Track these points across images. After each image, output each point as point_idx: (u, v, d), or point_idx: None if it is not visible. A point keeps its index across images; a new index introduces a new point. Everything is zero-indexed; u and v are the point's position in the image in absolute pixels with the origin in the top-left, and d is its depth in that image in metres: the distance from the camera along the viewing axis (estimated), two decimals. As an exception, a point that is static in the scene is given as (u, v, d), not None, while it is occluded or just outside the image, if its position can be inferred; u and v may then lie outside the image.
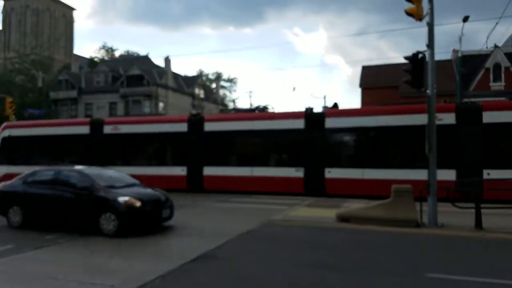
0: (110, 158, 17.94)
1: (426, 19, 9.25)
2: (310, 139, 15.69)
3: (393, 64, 32.64)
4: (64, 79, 43.76)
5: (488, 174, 13.03)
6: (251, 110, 19.43)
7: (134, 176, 10.33)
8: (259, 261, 6.40)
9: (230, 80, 68.72)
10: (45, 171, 9.61)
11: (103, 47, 63.21)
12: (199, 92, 48.50)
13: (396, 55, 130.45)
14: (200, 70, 67.10)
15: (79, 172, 9.10)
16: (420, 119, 11.48)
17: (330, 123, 15.39)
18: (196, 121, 17.64)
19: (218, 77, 66.59)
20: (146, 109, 40.66)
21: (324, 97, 38.25)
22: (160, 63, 46.94)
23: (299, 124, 15.88)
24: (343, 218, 9.70)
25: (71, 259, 6.46)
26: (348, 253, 6.99)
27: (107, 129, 19.00)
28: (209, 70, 78.33)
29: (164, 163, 18.09)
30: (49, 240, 7.75)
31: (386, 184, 11.74)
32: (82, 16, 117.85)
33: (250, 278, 5.57)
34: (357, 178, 14.54)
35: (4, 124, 22.11)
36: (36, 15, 64.61)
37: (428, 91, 9.25)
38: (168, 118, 21.92)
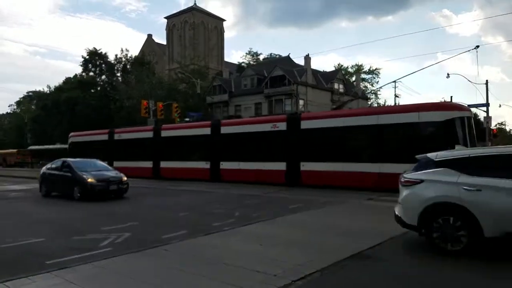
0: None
1: None
2: (213, 142, 22.08)
3: None
4: (217, 85, 48.94)
5: (303, 165, 18.10)
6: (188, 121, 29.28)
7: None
8: (419, 265, 5.81)
9: (371, 72, 65.49)
10: None
11: (249, 52, 68.45)
12: (338, 87, 47.68)
13: None
14: (339, 65, 66.00)
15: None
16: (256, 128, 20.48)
17: (223, 130, 21.86)
18: (156, 129, 25.76)
19: (358, 69, 64.21)
20: (287, 107, 42.07)
21: (486, 82, 32.51)
22: (301, 62, 47.97)
23: (207, 131, 22.50)
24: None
25: (236, 245, 7.00)
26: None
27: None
28: (349, 64, 76.16)
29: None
30: (216, 227, 8.61)
31: (252, 172, 19.65)
32: (228, 25, 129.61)
33: (409, 281, 5.17)
34: (236, 168, 20.52)
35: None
36: (193, 29, 73.95)
37: None
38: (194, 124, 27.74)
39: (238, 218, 9.88)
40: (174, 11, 79.54)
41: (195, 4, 76.59)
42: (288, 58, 52.78)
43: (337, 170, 16.88)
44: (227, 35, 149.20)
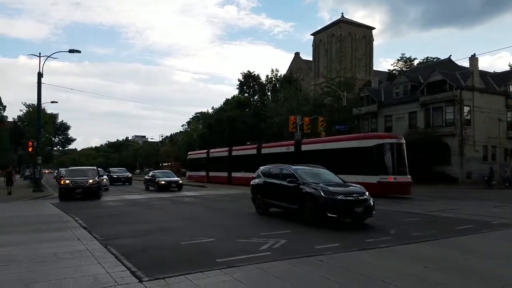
0: None
1: None
2: (259, 159, 31.28)
3: None
4: (365, 95, 47.17)
5: None
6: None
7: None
8: None
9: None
10: None
11: (401, 58, 63.77)
12: (516, 90, 40.05)
13: None
14: (515, 63, 55.51)
15: None
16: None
17: (263, 151, 33.57)
18: (230, 150, 38.97)
19: (544, 67, 52.61)
20: (449, 115, 37.52)
21: None
22: (465, 64, 42.35)
23: (254, 151, 34.69)
24: None
25: (395, 264, 6.51)
26: None
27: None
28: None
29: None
30: (369, 243, 8.22)
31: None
32: (375, 33, 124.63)
33: None
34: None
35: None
36: (339, 41, 73.67)
37: None
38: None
39: (395, 236, 9.21)
40: (319, 27, 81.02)
41: (342, 16, 76.43)
42: (449, 60, 47.11)
43: None
44: (375, 43, 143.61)
